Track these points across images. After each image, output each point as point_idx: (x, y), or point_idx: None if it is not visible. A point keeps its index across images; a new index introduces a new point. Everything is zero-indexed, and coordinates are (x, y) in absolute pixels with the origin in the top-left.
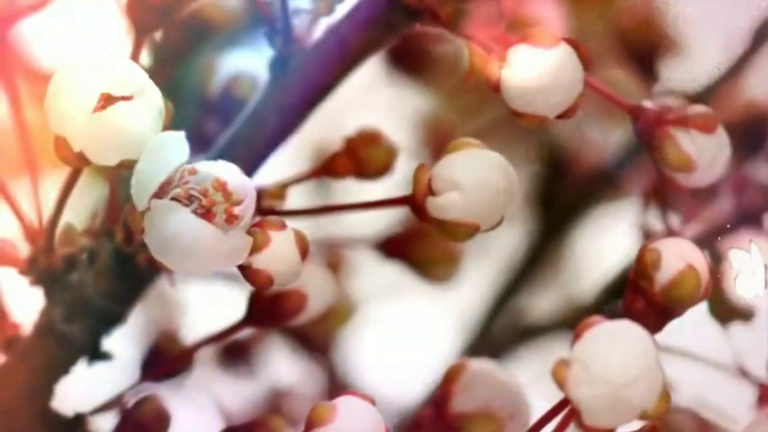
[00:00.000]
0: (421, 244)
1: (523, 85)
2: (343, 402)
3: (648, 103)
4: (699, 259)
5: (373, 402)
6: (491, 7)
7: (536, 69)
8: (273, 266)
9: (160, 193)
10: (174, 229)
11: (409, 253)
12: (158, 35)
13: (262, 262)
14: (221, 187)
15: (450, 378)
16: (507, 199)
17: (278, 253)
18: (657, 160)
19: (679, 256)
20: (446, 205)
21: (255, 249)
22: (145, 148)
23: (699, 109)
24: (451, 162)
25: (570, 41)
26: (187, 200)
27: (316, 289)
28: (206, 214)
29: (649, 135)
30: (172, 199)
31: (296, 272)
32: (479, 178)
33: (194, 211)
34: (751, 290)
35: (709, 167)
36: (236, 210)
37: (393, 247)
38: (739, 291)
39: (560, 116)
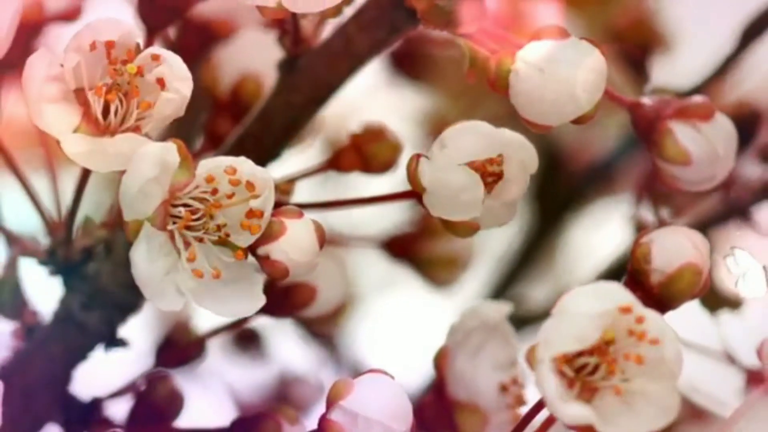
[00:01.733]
0: (427, 244)
1: (533, 94)
2: (362, 378)
3: (646, 99)
4: (699, 256)
5: (392, 378)
6: (475, 4)
7: (547, 74)
8: (290, 254)
9: (171, 199)
10: (134, 270)
11: (414, 253)
12: (172, 34)
13: (279, 250)
14: (234, 174)
15: (439, 363)
16: (473, 191)
17: (295, 241)
18: (655, 156)
19: (680, 251)
20: (428, 205)
21: (271, 237)
22: (132, 158)
23: (696, 99)
24: (426, 160)
25: (587, 40)
26: (199, 202)
27: (326, 283)
28: (215, 223)
29: (648, 131)
30: (183, 204)
31: (313, 261)
32: (437, 177)
33: (197, 218)
34: (754, 291)
35: (712, 162)
36: (255, 204)
37: (398, 247)
38: (742, 292)
39: (575, 121)
